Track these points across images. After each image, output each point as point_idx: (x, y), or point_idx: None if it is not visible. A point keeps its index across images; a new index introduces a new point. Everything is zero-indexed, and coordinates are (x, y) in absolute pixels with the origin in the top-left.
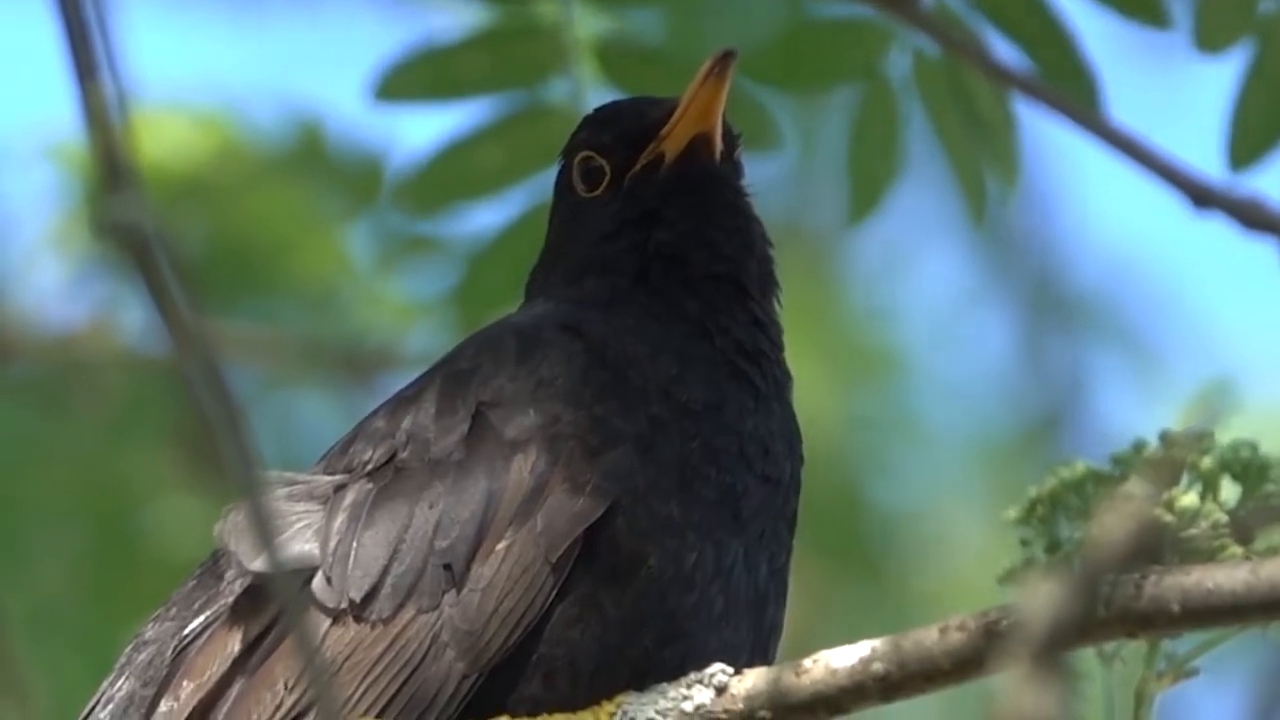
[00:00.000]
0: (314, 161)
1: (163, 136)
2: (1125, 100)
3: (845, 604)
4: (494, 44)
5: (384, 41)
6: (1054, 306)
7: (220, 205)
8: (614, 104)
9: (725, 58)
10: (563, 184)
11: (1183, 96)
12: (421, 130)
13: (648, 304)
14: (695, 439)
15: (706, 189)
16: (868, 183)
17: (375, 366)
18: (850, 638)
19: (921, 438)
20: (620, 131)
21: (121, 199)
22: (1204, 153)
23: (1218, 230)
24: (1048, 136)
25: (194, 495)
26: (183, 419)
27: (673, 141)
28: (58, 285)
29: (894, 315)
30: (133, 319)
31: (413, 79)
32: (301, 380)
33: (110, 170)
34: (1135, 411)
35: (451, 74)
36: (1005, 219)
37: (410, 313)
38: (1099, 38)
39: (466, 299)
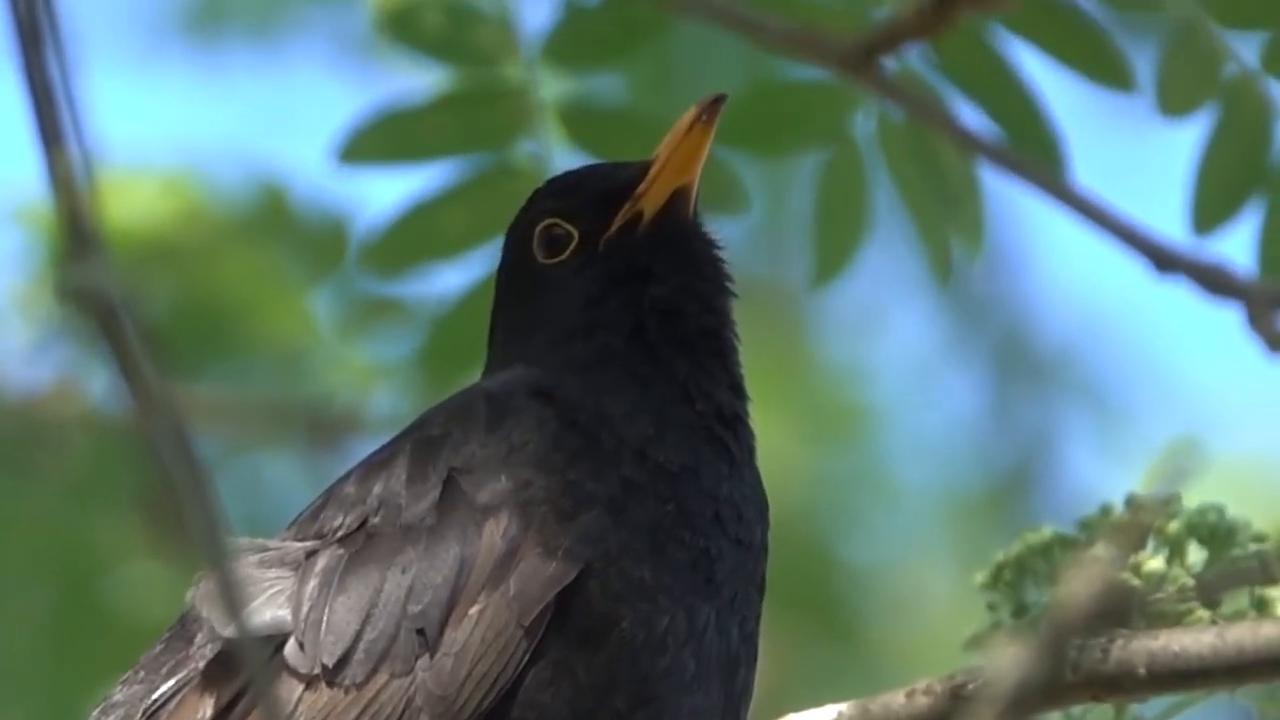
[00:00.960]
0: (279, 224)
1: (128, 199)
2: (1090, 163)
3: (814, 660)
4: (458, 107)
5: (348, 104)
6: (1022, 365)
7: (186, 268)
8: (574, 171)
9: (715, 103)
10: (516, 254)
11: (1147, 159)
12: (386, 193)
13: (634, 364)
14: (670, 501)
15: (690, 243)
16: (834, 245)
17: (341, 429)
18: (818, 696)
19: (890, 494)
20: (587, 196)
21: (87, 265)
22: (1169, 215)
23: (1183, 292)
24: (1014, 198)
25: (159, 560)
26: (147, 484)
27: (651, 199)
28: (22, 348)
29: (863, 372)
30: (97, 382)
31: (377, 141)
32: (268, 444)
33: (76, 236)
34: (1103, 468)
35: (416, 136)
36: (972, 280)
37: (376, 375)
38: (1063, 100)
39: (432, 361)
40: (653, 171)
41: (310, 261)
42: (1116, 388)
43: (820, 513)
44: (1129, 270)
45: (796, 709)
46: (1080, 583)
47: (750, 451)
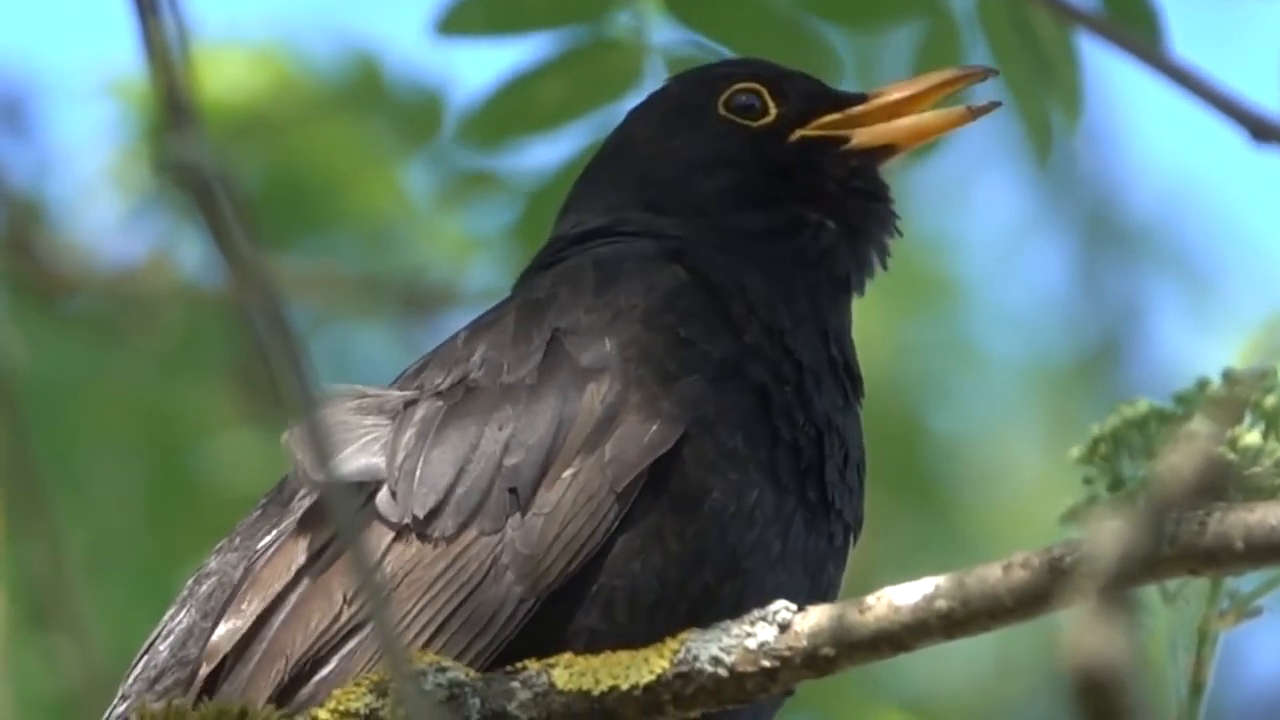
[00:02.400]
0: (372, 97)
1: (220, 72)
2: (1187, 34)
3: (902, 530)
4: None
5: None
6: (1111, 236)
7: (278, 141)
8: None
9: (982, 108)
10: (694, 97)
11: (1244, 33)
12: (480, 66)
13: (781, 260)
14: (789, 384)
15: (881, 199)
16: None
17: (434, 302)
18: (906, 565)
19: (978, 365)
20: (798, 86)
21: (183, 138)
22: (1264, 89)
23: (1276, 164)
24: (1107, 69)
25: (251, 430)
26: (240, 354)
27: (869, 134)
28: (116, 220)
29: (952, 243)
30: (190, 254)
31: (475, 13)
32: (358, 316)
33: (172, 109)
34: (1191, 341)
35: (513, 8)
36: (1066, 153)
37: (470, 248)
38: None
39: (527, 234)
40: (884, 104)
41: (404, 134)
42: (1206, 260)
43: (908, 383)
44: (1219, 143)
45: (884, 579)
46: (1180, 456)
47: (860, 406)
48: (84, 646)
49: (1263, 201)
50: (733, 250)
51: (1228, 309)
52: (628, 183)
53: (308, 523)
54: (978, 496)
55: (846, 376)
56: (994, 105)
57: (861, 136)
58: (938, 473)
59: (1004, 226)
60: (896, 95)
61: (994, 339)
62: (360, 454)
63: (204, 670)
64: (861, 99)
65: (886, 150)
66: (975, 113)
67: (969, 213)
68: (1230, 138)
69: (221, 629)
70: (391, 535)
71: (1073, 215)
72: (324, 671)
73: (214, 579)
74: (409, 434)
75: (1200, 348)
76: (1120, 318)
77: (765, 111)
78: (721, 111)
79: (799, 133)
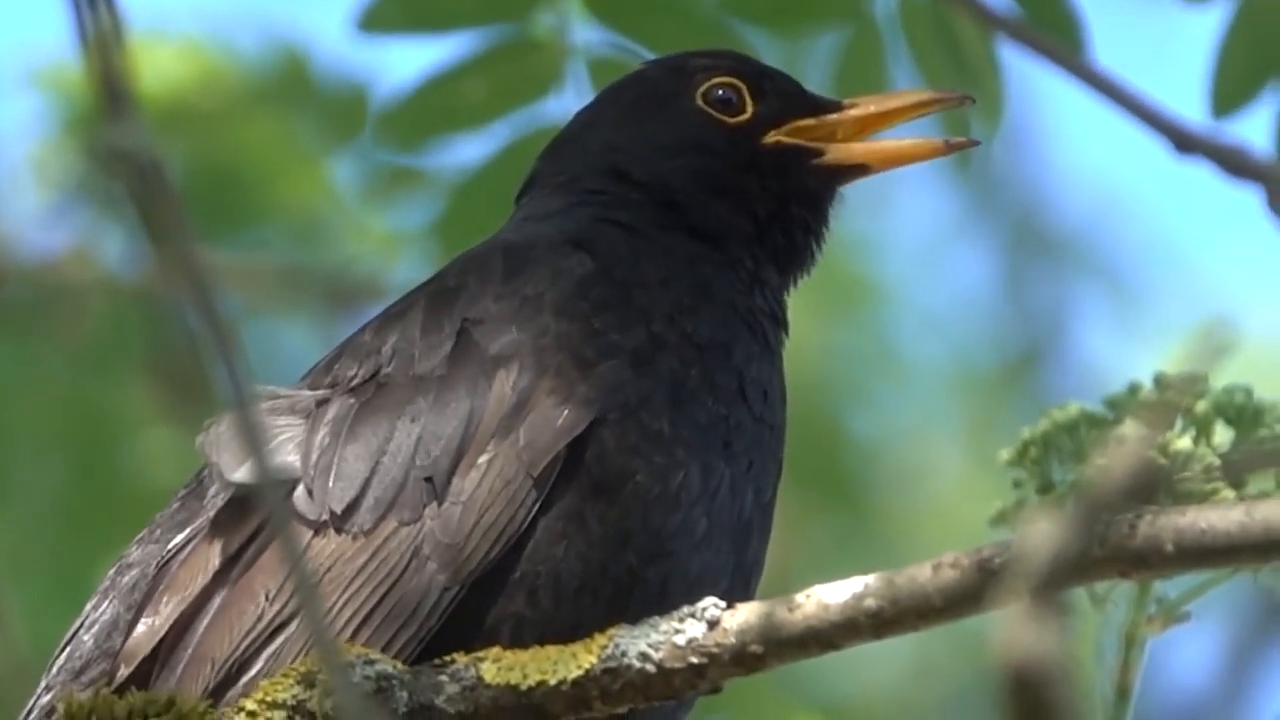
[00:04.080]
0: (299, 91)
1: (148, 64)
2: (1110, 46)
3: (822, 533)
4: None
5: None
6: (1036, 241)
7: (204, 134)
8: (768, 65)
9: (958, 145)
10: (671, 84)
11: (1167, 44)
12: (407, 62)
13: (705, 240)
14: (694, 366)
15: (833, 210)
16: None
17: (359, 296)
18: (827, 567)
19: (901, 369)
20: (779, 88)
21: (122, 125)
22: (1188, 100)
23: (1201, 173)
24: (1033, 76)
25: (172, 426)
26: (161, 349)
27: (843, 151)
28: (39, 211)
29: (876, 246)
30: (113, 247)
31: (397, 10)
32: (284, 310)
33: (109, 96)
34: (1114, 349)
35: (435, 6)
36: (987, 157)
37: (395, 243)
38: None
39: (450, 230)
40: (860, 116)
41: (330, 129)
42: (1130, 268)
43: (830, 386)
44: (1146, 152)
45: (803, 580)
46: (1112, 459)
47: (781, 349)
48: (3, 639)
49: (1187, 211)
50: (645, 235)
51: (1151, 317)
52: (592, 154)
53: (220, 524)
54: (898, 500)
55: (770, 322)
56: (973, 142)
57: (836, 153)
58: (858, 475)
59: (929, 230)
60: (873, 109)
61: (917, 343)
62: (276, 454)
63: (123, 671)
64: (837, 106)
65: (857, 169)
66: (952, 147)
67: (893, 215)
68: (1154, 148)
69: (140, 628)
70: (311, 532)
71: (998, 220)
72: (251, 672)
73: (136, 570)
74: (322, 433)
75: (1123, 355)
76: (1044, 324)
77: (742, 109)
78: (698, 103)
79: (774, 135)
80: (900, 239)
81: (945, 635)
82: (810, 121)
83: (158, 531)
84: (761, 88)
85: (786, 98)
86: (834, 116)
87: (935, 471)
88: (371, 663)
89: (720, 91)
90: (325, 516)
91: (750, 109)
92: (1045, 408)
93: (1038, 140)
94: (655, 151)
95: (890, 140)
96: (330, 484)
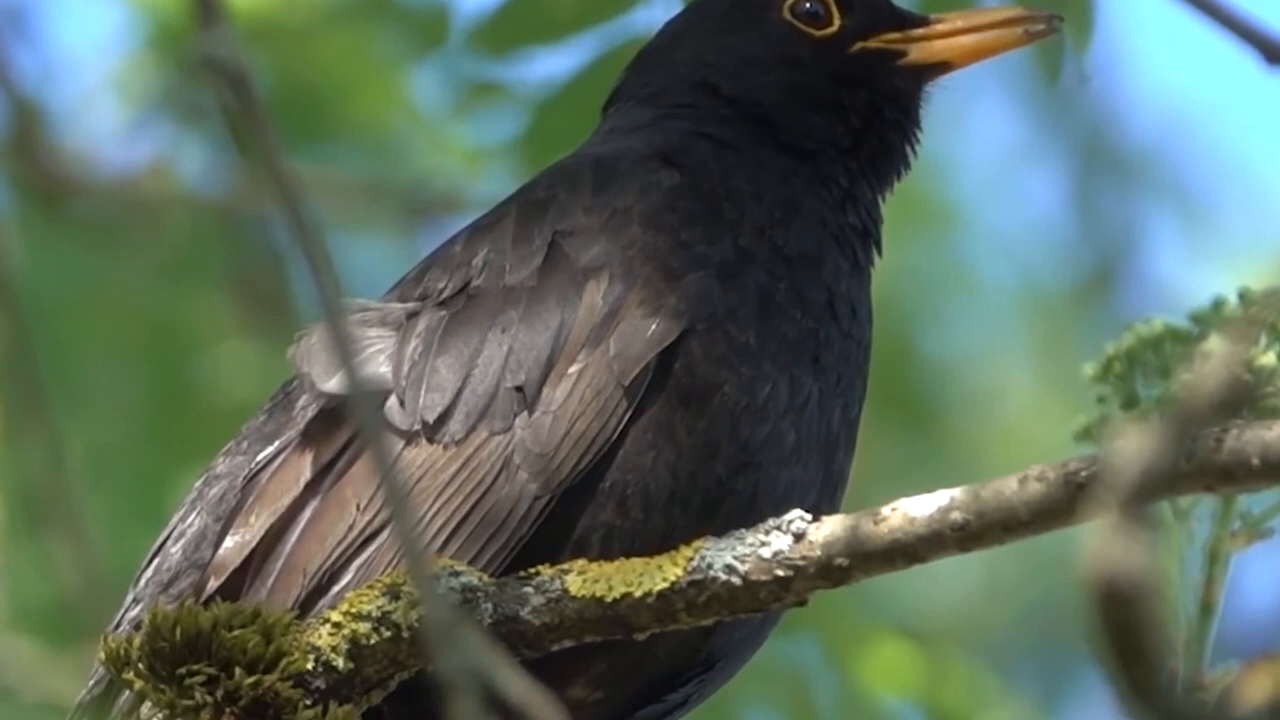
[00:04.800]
0: (382, 4)
1: None
2: None
3: (894, 454)
4: None
5: None
6: (1106, 161)
7: (287, 47)
8: None
9: (1046, 23)
10: (753, 1)
11: None
12: None
13: (799, 154)
14: (783, 280)
15: (922, 110)
16: None
17: (438, 211)
18: (898, 488)
19: (972, 289)
20: (867, 1)
21: (214, 35)
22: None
23: (1273, 94)
24: None
25: (251, 341)
26: (241, 263)
27: (926, 50)
28: (119, 127)
29: (947, 167)
30: (193, 162)
31: None
32: (361, 223)
33: (202, 6)
34: (1186, 268)
35: None
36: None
37: (476, 158)
38: None
39: (534, 145)
40: (945, 28)
41: (411, 43)
42: (1202, 188)
43: (901, 306)
44: (1215, 69)
45: (877, 500)
46: (1200, 373)
47: (871, 266)
48: (82, 552)
49: (1261, 129)
50: (736, 148)
51: (1223, 237)
52: (681, 67)
53: (312, 435)
54: (968, 421)
55: (860, 240)
56: (1052, 26)
57: (919, 52)
58: (928, 396)
59: (999, 150)
60: (960, 24)
61: (988, 263)
62: (367, 366)
63: (212, 583)
64: (924, 21)
65: (940, 67)
66: (1032, 35)
67: (964, 136)
68: (1231, 63)
69: (229, 541)
70: (402, 443)
71: (1068, 140)
72: (342, 582)
73: (224, 482)
74: (414, 344)
75: (1194, 275)
76: (1114, 244)
77: (829, 21)
78: (785, 15)
79: (859, 45)
80: (971, 159)
81: (1015, 556)
82: (895, 35)
83: (245, 443)
84: (848, 1)
85: (873, 10)
86: (920, 30)
87: (1005, 393)
88: (457, 574)
89: (808, 5)
90: (417, 427)
91: (837, 22)
92: (1122, 326)
93: (1113, 58)
94: (744, 66)
95: (970, 34)
96: (422, 394)
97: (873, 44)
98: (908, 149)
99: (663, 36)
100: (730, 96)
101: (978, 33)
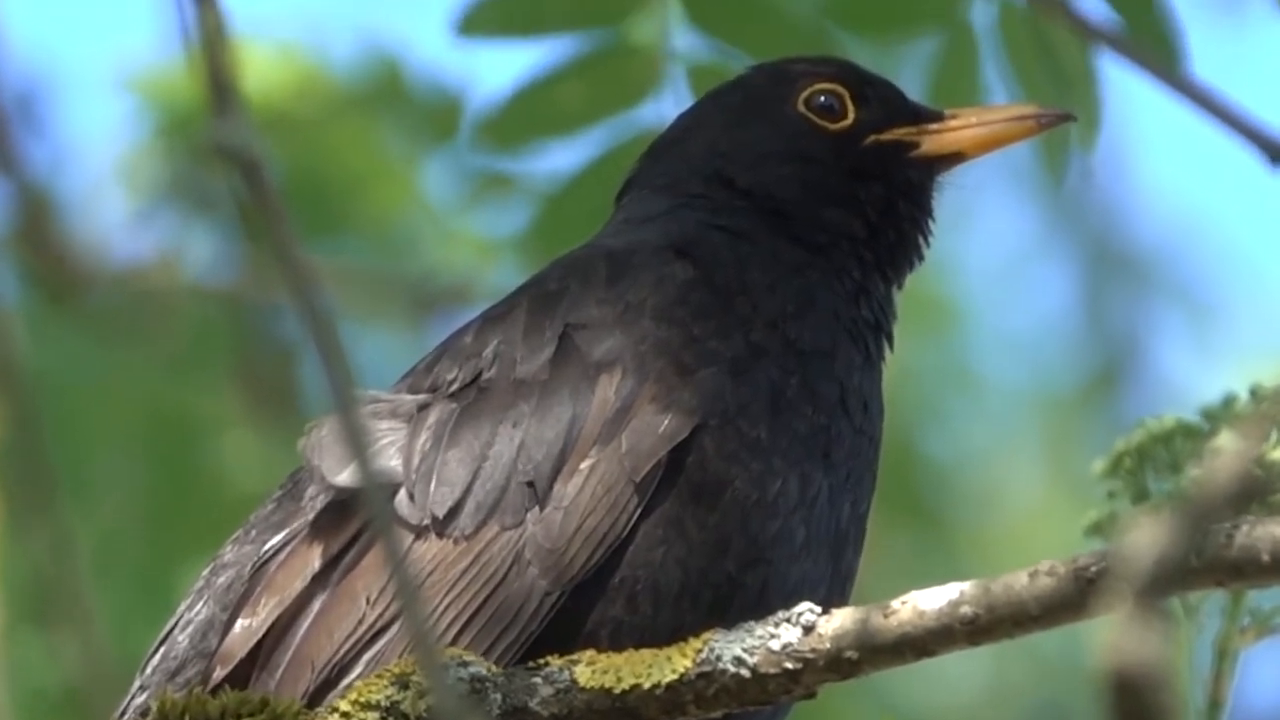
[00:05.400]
0: (392, 97)
1: (243, 66)
2: (1205, 59)
3: (900, 552)
4: None
5: None
6: (1115, 261)
7: (298, 138)
8: (868, 70)
9: (1056, 118)
10: (772, 90)
11: (1261, 56)
12: (498, 69)
13: (812, 246)
14: (795, 374)
15: (936, 201)
16: None
17: (446, 303)
18: (904, 585)
19: (978, 389)
20: (880, 94)
21: (228, 123)
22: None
23: (1277, 193)
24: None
25: (257, 431)
26: (248, 354)
27: (938, 142)
28: (127, 216)
29: (955, 266)
30: (200, 251)
31: (495, 14)
32: (370, 315)
33: (216, 92)
34: (1193, 368)
35: (533, 10)
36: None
37: (485, 251)
38: None
39: (543, 237)
40: (959, 123)
41: (422, 135)
42: (1209, 288)
43: (906, 406)
44: (1224, 170)
45: (882, 596)
46: (1211, 469)
47: (882, 361)
48: (88, 642)
49: (1266, 229)
50: (749, 240)
51: (1230, 337)
52: (695, 158)
53: (320, 527)
54: (975, 520)
55: (873, 334)
56: (1067, 116)
57: (931, 144)
58: (934, 495)
59: (1007, 249)
60: (974, 120)
61: (995, 363)
62: (377, 459)
63: (219, 672)
64: (939, 116)
65: (953, 158)
66: (1044, 125)
67: (971, 235)
68: (1237, 164)
69: (236, 629)
70: (412, 537)
71: (1077, 240)
72: (352, 675)
73: (231, 570)
74: (424, 437)
75: (1202, 375)
76: (1122, 344)
77: (844, 115)
78: (800, 109)
79: (872, 138)
80: (978, 258)
81: (1023, 655)
82: (910, 129)
83: (253, 532)
84: (864, 94)
85: (888, 105)
86: (934, 125)
87: (1012, 492)
88: (466, 664)
89: (823, 98)
90: (427, 521)
91: (852, 116)
92: (1131, 423)
93: (1121, 159)
94: (759, 158)
95: (982, 126)
96: (432, 488)
97: (886, 137)
98: (921, 240)
99: (677, 127)
100: (745, 189)
101: (990, 126)
